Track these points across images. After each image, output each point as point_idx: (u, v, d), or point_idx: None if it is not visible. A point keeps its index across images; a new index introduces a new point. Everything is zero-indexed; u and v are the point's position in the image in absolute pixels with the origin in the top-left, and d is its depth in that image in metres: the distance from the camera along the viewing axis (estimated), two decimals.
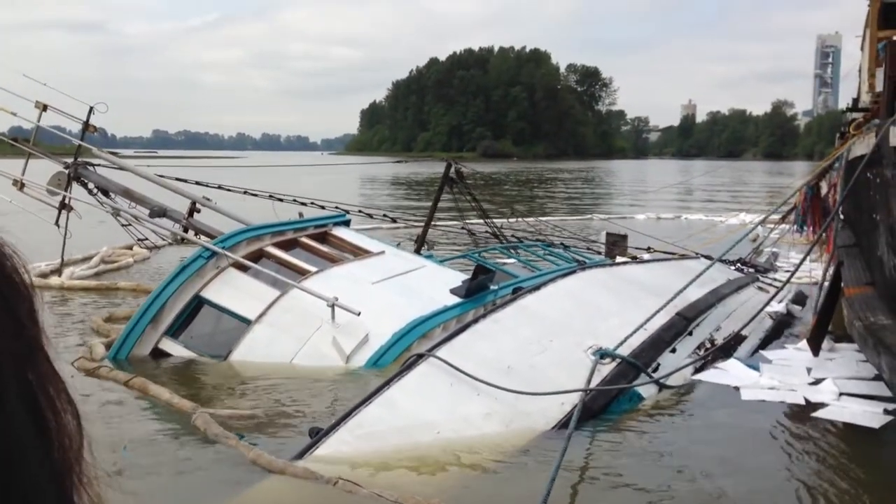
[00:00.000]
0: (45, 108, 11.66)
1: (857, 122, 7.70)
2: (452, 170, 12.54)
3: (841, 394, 6.54)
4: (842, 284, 7.61)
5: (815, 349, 7.55)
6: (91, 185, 11.85)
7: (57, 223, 11.92)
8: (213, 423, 5.54)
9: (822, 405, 6.31)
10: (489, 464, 5.08)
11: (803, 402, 6.43)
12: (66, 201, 11.72)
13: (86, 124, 12.07)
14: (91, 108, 12.06)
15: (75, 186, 11.86)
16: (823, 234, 8.87)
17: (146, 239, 12.87)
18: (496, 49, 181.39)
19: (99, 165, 12.20)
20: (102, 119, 12.75)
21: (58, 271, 12.29)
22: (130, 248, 14.27)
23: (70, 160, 11.92)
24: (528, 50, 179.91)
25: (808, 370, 7.21)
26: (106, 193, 11.75)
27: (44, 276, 12.09)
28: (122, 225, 12.29)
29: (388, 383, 5.50)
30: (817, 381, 6.87)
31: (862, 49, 10.95)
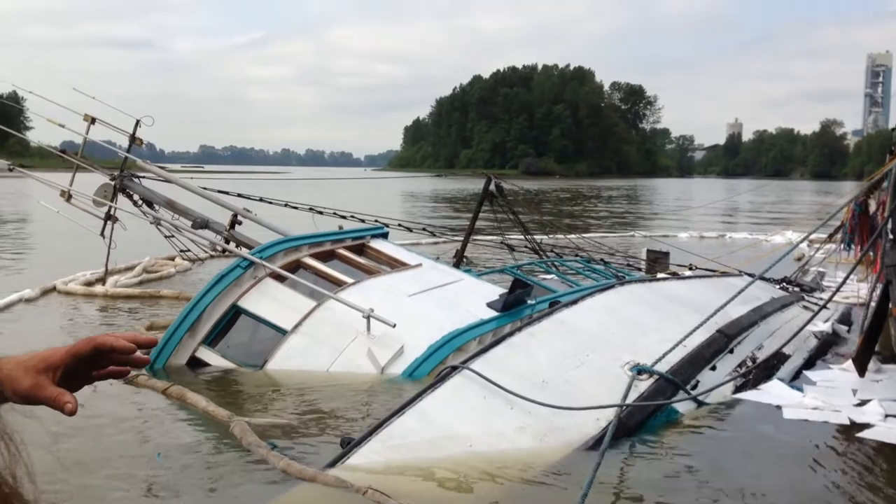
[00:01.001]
0: (93, 120, 11.95)
1: None
2: (492, 185, 12.54)
3: (887, 415, 6.34)
4: (890, 304, 7.40)
5: (861, 370, 7.34)
6: (136, 197, 12.09)
7: (102, 233, 12.17)
8: (250, 431, 5.55)
9: (867, 426, 6.13)
10: (521, 478, 5.01)
11: (848, 423, 6.25)
12: (112, 212, 11.96)
13: (132, 137, 12.32)
14: (137, 122, 12.33)
15: (121, 198, 12.11)
16: (870, 252, 8.64)
17: (188, 250, 13.07)
18: (540, 67, 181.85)
19: (144, 177, 12.44)
20: (151, 134, 13.06)
21: (102, 280, 12.52)
22: (172, 259, 14.50)
23: (116, 172, 12.17)
24: (571, 68, 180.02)
25: (854, 391, 7.00)
26: (150, 205, 11.98)
27: (89, 284, 12.34)
28: (166, 236, 12.49)
29: (420, 395, 5.45)
30: (863, 403, 6.67)
31: None
